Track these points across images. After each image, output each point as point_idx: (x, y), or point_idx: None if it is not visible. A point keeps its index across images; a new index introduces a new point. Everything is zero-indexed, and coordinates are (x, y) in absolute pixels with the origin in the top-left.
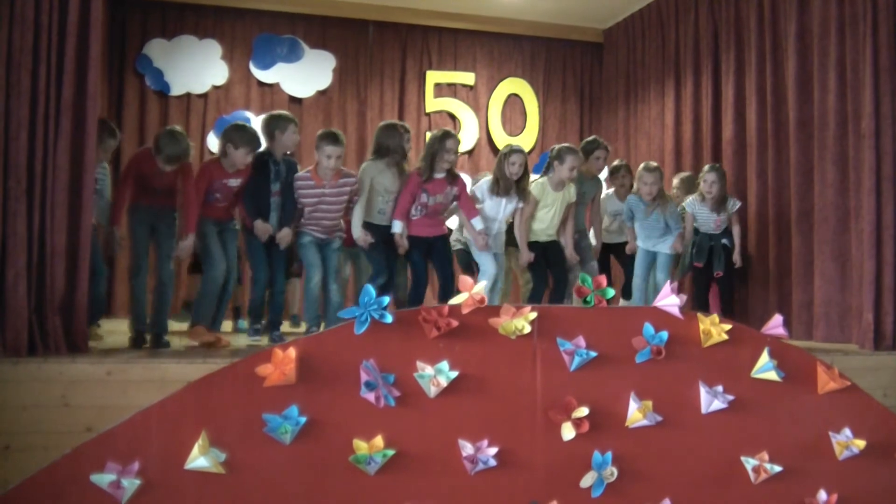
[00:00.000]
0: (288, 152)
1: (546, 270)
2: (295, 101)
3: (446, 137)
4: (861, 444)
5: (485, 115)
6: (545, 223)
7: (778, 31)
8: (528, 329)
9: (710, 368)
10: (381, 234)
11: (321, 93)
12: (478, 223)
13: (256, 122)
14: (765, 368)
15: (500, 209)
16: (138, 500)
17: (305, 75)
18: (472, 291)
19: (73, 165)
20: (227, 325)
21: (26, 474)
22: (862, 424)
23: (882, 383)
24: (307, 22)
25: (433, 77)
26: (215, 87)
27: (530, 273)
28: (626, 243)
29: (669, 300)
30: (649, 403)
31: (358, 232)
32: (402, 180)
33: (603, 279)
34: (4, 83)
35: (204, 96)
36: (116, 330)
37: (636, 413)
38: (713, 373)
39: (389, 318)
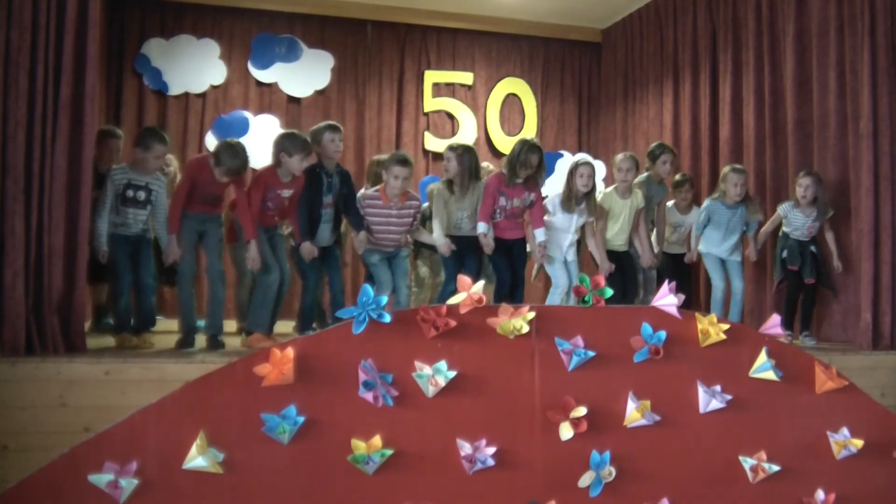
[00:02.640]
0: (336, 162)
1: (620, 280)
2: (293, 100)
3: (531, 151)
4: (859, 443)
5: (483, 115)
6: (615, 231)
7: (776, 31)
8: (526, 329)
9: (709, 368)
10: (458, 244)
11: (319, 92)
12: (540, 234)
13: (255, 121)
14: (763, 368)
15: (571, 222)
16: (136, 499)
17: (304, 75)
18: (470, 291)
19: (71, 165)
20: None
21: (24, 474)
22: (860, 424)
23: (880, 383)
24: (305, 21)
25: (431, 77)
26: (213, 87)
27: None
28: (684, 254)
29: (667, 300)
30: (647, 403)
31: (441, 239)
32: (475, 195)
33: (601, 279)
34: (2, 83)
35: (202, 96)
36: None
37: (634, 413)
38: (711, 372)
39: (388, 318)
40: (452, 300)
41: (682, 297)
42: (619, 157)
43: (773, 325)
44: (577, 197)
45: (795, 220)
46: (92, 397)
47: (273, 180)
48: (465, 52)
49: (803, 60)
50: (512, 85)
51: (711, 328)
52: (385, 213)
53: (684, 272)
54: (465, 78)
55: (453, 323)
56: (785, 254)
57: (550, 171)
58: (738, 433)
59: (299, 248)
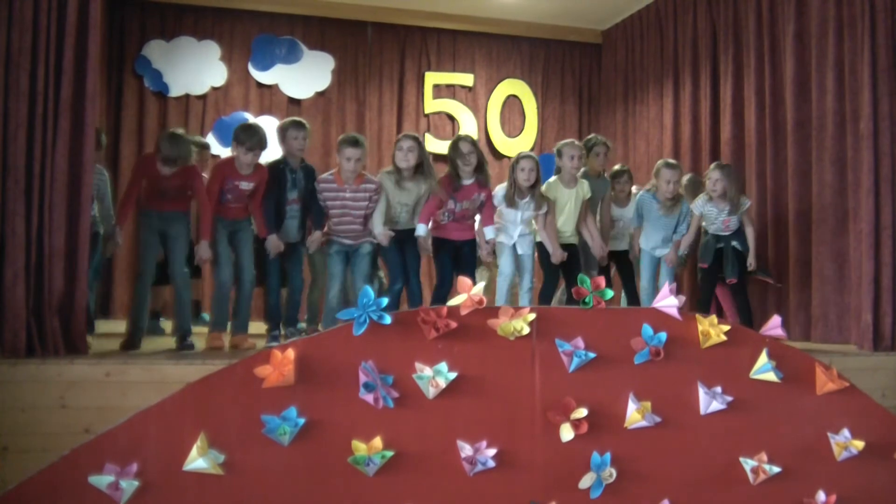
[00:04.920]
0: (301, 158)
1: (559, 272)
2: (294, 102)
3: (458, 142)
4: (860, 444)
5: (483, 117)
6: (562, 221)
7: (776, 32)
8: (526, 330)
9: (709, 369)
10: (398, 238)
11: (320, 94)
12: (489, 232)
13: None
14: (763, 369)
15: (516, 215)
16: (137, 501)
17: (304, 76)
18: (470, 293)
19: (71, 166)
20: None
21: (24, 476)
22: (860, 425)
23: (881, 384)
24: (306, 23)
25: (432, 78)
26: (214, 89)
27: (543, 272)
28: (627, 251)
29: (668, 301)
30: (648, 404)
31: (379, 228)
32: (420, 192)
33: (601, 280)
34: (3, 84)
35: (203, 97)
36: (118, 331)
37: (635, 414)
38: (712, 374)
39: (388, 320)
40: (453, 301)
41: (684, 298)
42: (566, 145)
43: (774, 326)
44: (521, 191)
45: (710, 214)
46: (92, 399)
47: (230, 171)
48: (465, 54)
49: (803, 61)
50: (512, 86)
51: (712, 329)
52: (340, 196)
53: (625, 270)
54: (466, 79)
55: (454, 324)
56: (700, 251)
57: (550, 172)
58: (738, 434)
59: (265, 243)
